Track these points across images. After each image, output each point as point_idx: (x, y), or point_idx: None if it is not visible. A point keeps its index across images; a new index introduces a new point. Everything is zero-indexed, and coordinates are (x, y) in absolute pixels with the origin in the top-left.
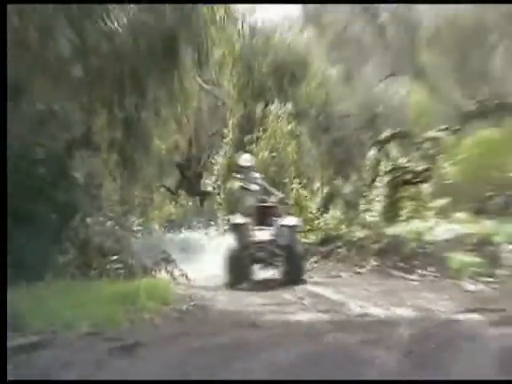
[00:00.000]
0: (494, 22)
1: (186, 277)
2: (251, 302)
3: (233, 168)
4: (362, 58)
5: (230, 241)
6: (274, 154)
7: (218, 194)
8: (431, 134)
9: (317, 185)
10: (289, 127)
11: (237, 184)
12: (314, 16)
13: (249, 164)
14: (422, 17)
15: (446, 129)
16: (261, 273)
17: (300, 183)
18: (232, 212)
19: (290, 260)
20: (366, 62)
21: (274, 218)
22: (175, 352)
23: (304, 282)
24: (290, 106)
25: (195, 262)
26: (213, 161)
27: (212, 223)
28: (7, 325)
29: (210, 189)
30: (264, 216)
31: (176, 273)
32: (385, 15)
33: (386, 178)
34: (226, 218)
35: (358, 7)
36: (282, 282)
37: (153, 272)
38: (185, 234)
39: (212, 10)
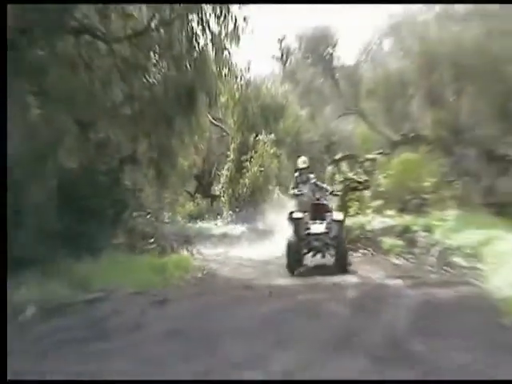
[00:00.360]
0: (412, 79)
1: (200, 253)
2: (243, 271)
3: (234, 179)
4: (322, 103)
5: (289, 232)
6: (262, 169)
7: (223, 196)
8: (370, 156)
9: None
10: (272, 150)
11: (291, 192)
12: (290, 74)
13: (305, 165)
14: (363, 74)
15: (381, 153)
16: (314, 259)
17: (280, 189)
18: (232, 210)
19: (338, 249)
20: (326, 105)
21: (326, 214)
22: (193, 304)
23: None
24: (272, 135)
25: (207, 243)
26: (219, 173)
27: (219, 216)
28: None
29: (217, 193)
30: (318, 212)
31: (194, 251)
32: (339, 74)
33: (339, 186)
34: (230, 212)
35: (320, 67)
36: (332, 268)
37: (177, 250)
38: (200, 224)
39: (219, 69)
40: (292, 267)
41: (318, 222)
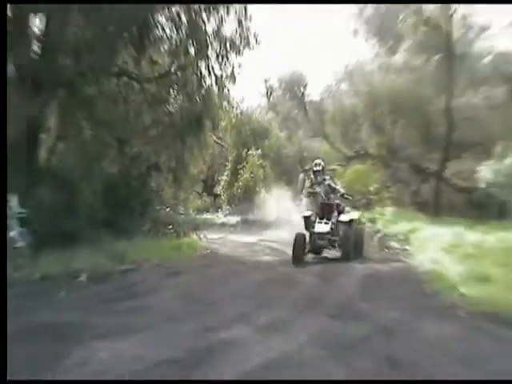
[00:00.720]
0: (361, 112)
1: (206, 237)
2: (238, 250)
3: (231, 182)
4: (296, 127)
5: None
6: (252, 175)
7: (223, 195)
8: (332, 167)
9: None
10: (259, 162)
11: (306, 190)
12: (272, 106)
13: (319, 168)
14: (326, 107)
15: (339, 164)
16: (326, 252)
17: (266, 192)
18: (230, 205)
19: (343, 248)
20: (299, 129)
21: (334, 214)
22: (200, 274)
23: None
24: (259, 151)
25: (211, 230)
26: (220, 178)
27: (219, 210)
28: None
29: (218, 192)
30: (326, 211)
31: (201, 235)
32: (308, 106)
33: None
34: (228, 207)
35: (295, 102)
36: (340, 259)
37: (189, 235)
38: (205, 215)
39: (221, 102)
40: (295, 260)
41: (324, 221)
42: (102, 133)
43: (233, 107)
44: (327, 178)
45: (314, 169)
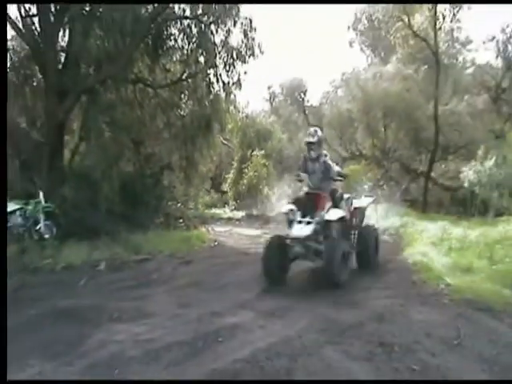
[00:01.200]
0: (356, 116)
1: (213, 230)
2: (242, 242)
3: (236, 180)
4: (297, 130)
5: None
6: (256, 174)
7: (229, 192)
8: None
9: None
10: (262, 161)
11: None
12: (275, 110)
13: (314, 139)
14: (324, 112)
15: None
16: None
17: (269, 189)
18: (235, 201)
19: (325, 257)
20: (299, 132)
21: (324, 209)
22: (208, 264)
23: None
24: (263, 151)
25: (218, 223)
26: (226, 176)
27: (226, 205)
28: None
29: (225, 189)
30: (309, 206)
31: (209, 228)
32: (308, 111)
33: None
34: (234, 202)
35: (295, 106)
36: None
37: (198, 228)
38: (213, 210)
39: (228, 106)
40: (269, 277)
41: (305, 220)
42: (120, 135)
43: (239, 111)
44: (325, 153)
45: (308, 140)
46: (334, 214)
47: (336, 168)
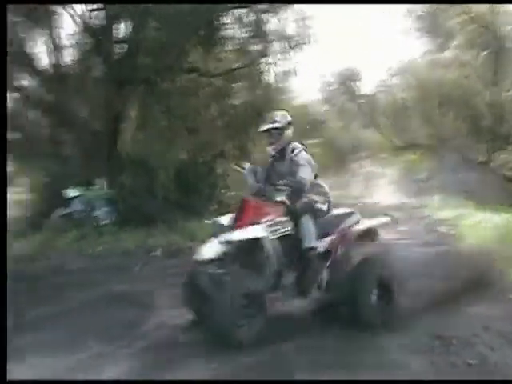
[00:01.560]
0: (411, 105)
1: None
2: None
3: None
4: (351, 119)
5: None
6: None
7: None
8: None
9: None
10: (315, 150)
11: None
12: (328, 99)
13: (276, 125)
14: (378, 101)
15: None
16: None
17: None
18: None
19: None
20: (353, 121)
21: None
22: None
23: None
24: (316, 140)
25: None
26: None
27: None
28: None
29: None
30: (241, 216)
31: None
32: (362, 100)
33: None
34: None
35: (348, 95)
36: None
37: None
38: None
39: (281, 96)
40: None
41: (223, 238)
42: (175, 123)
43: (292, 100)
44: (295, 145)
45: (267, 127)
46: (239, 234)
47: (307, 171)
